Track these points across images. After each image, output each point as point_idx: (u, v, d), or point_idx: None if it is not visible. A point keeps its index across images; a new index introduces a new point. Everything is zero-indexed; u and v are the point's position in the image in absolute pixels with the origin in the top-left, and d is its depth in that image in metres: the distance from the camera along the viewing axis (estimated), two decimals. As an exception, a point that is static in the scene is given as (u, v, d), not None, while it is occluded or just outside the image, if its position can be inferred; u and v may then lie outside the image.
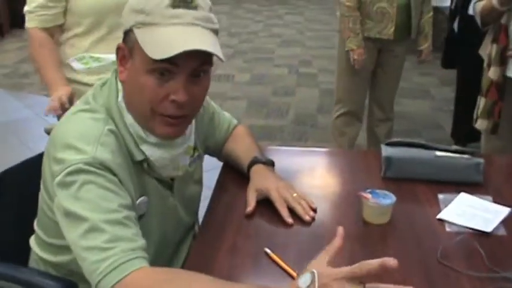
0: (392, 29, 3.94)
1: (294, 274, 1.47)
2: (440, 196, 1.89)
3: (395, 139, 2.13)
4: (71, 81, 2.51)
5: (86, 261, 1.35)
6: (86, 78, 2.47)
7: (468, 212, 1.79)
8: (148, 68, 1.45)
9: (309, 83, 7.15)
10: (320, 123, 5.75)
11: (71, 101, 2.36)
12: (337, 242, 1.28)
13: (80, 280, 1.59)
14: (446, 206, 1.83)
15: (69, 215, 1.39)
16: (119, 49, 1.54)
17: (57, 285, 1.61)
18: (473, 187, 1.95)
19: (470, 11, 3.87)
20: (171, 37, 1.42)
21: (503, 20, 2.99)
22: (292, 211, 1.77)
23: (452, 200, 1.86)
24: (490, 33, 3.19)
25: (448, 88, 6.40)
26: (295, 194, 1.81)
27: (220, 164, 2.12)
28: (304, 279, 1.23)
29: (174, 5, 1.44)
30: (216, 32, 1.52)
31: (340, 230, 1.30)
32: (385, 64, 4.20)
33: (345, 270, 1.21)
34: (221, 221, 1.77)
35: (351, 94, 4.27)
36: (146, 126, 1.54)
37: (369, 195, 1.74)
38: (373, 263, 1.17)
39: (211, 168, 2.12)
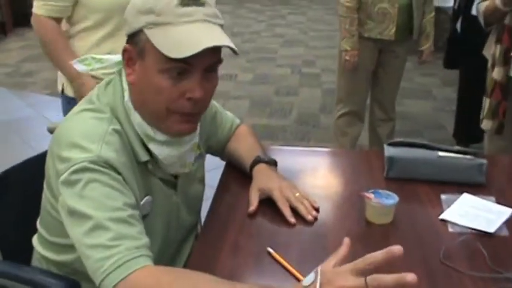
0: (393, 30, 3.93)
1: (297, 274, 1.47)
2: (443, 196, 1.89)
3: (397, 139, 2.12)
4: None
5: (90, 259, 1.35)
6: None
7: (471, 212, 1.79)
8: (162, 68, 1.45)
9: (312, 83, 7.15)
10: (323, 123, 5.75)
11: None
12: (343, 250, 1.28)
13: (83, 279, 1.60)
14: (449, 207, 1.83)
15: (74, 213, 1.39)
16: (125, 51, 1.54)
17: (60, 284, 1.61)
18: (476, 188, 1.94)
19: (474, 12, 3.88)
20: (187, 35, 1.43)
21: (506, 21, 2.99)
22: (294, 211, 1.77)
23: (455, 200, 1.86)
24: (493, 33, 3.19)
25: (450, 88, 6.40)
26: (297, 194, 1.81)
27: (223, 163, 2.12)
28: (308, 278, 1.23)
29: (183, 3, 1.45)
30: (222, 27, 1.54)
31: (347, 240, 1.30)
32: (386, 64, 4.20)
33: (349, 264, 1.21)
34: (223, 220, 1.77)
35: (351, 94, 4.27)
36: (159, 124, 1.55)
37: (372, 195, 1.74)
38: (377, 255, 1.17)
39: (214, 167, 2.13)
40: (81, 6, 2.69)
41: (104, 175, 1.42)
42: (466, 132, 4.85)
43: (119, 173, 1.47)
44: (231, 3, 13.10)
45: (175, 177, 1.73)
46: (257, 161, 1.92)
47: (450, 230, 1.73)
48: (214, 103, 2.00)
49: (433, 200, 1.89)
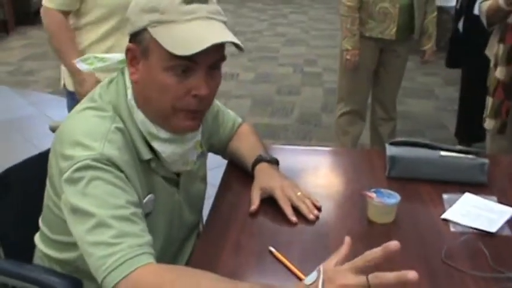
0: (394, 30, 3.93)
1: (298, 273, 1.47)
2: (445, 196, 1.89)
3: (399, 139, 2.12)
4: None
5: (92, 257, 1.35)
6: None
7: (473, 212, 1.79)
8: (167, 66, 1.45)
9: (314, 82, 7.15)
10: (324, 122, 5.75)
11: None
12: (344, 249, 1.28)
13: (85, 277, 1.60)
14: (450, 206, 1.83)
15: (77, 211, 1.40)
16: (128, 50, 1.54)
17: (63, 283, 1.61)
18: (478, 187, 1.94)
19: (476, 11, 3.87)
20: (191, 33, 1.44)
21: (509, 20, 2.99)
22: (296, 210, 1.77)
23: (456, 200, 1.86)
24: (495, 33, 3.19)
25: (452, 88, 6.40)
26: (299, 193, 1.81)
27: (225, 162, 2.13)
28: (310, 277, 1.23)
29: (186, 1, 1.45)
30: (225, 24, 1.54)
31: (348, 239, 1.30)
32: (387, 64, 4.20)
33: (349, 263, 1.22)
34: (225, 219, 1.77)
35: (353, 93, 4.27)
36: (164, 122, 1.55)
37: (374, 195, 1.74)
38: (376, 251, 1.18)
39: (216, 166, 2.13)
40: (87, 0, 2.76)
41: (106, 173, 1.43)
42: (468, 132, 4.85)
43: (122, 171, 1.47)
44: (233, 2, 13.11)
45: (178, 175, 1.73)
46: (259, 160, 1.93)
47: (452, 229, 1.73)
48: (217, 102, 2.00)
49: (434, 200, 1.89)
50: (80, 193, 1.40)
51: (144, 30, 1.48)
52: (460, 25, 4.68)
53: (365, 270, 1.18)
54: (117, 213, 1.38)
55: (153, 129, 1.56)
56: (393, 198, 1.74)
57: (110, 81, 1.63)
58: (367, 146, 4.75)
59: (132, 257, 1.32)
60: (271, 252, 1.58)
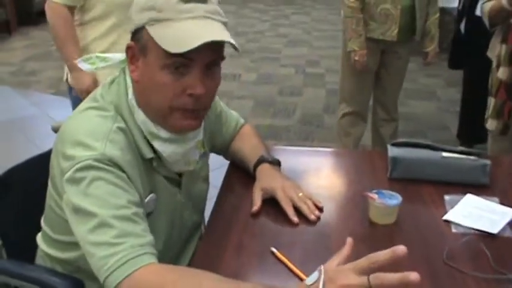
0: (395, 31, 3.92)
1: (300, 273, 1.47)
2: (447, 197, 1.89)
3: (401, 140, 2.12)
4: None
5: (94, 257, 1.35)
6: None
7: (474, 213, 1.79)
8: (163, 64, 1.46)
9: (316, 83, 7.15)
10: (326, 123, 5.75)
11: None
12: (346, 250, 1.29)
13: (87, 277, 1.61)
14: (452, 207, 1.83)
15: (78, 210, 1.40)
16: (128, 48, 1.55)
17: (64, 283, 1.62)
18: (480, 188, 1.94)
19: (478, 12, 3.87)
20: (187, 31, 1.44)
21: (512, 20, 2.99)
22: (298, 210, 1.77)
23: (458, 201, 1.86)
24: (497, 34, 3.19)
25: (454, 89, 6.40)
26: (301, 194, 1.81)
27: (227, 162, 2.13)
28: (311, 277, 1.23)
29: (184, 0, 1.45)
30: (225, 24, 1.54)
31: (350, 240, 1.30)
32: (388, 65, 4.20)
33: (351, 263, 1.22)
34: (227, 220, 1.77)
35: (354, 94, 4.27)
36: (163, 122, 1.55)
37: (375, 196, 1.74)
38: (381, 254, 1.17)
39: (218, 167, 2.13)
40: None
41: (108, 173, 1.43)
42: (470, 133, 4.85)
43: (123, 171, 1.47)
44: (235, 3, 13.12)
45: (180, 175, 1.73)
46: (261, 161, 1.93)
47: (453, 230, 1.72)
48: (220, 102, 2.00)
49: (436, 201, 1.89)
50: (81, 193, 1.40)
51: (142, 28, 1.49)
52: (462, 26, 4.68)
53: (367, 271, 1.18)
54: (118, 213, 1.38)
55: (154, 128, 1.56)
56: (395, 199, 1.74)
57: (112, 81, 1.64)
58: (368, 147, 4.75)
59: (134, 257, 1.33)
60: (272, 252, 1.58)
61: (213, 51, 1.47)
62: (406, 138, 2.14)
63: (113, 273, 1.31)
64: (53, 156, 1.58)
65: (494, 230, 1.70)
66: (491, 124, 3.20)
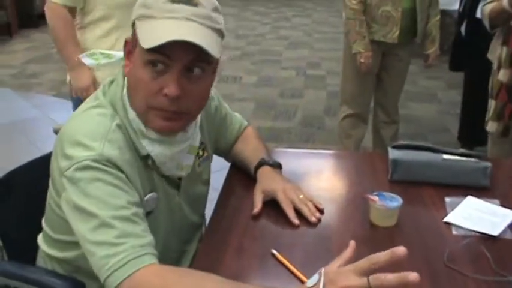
0: (397, 33, 3.93)
1: (301, 275, 1.47)
2: (447, 199, 1.89)
3: (402, 142, 2.12)
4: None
5: (94, 256, 1.35)
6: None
7: (475, 215, 1.79)
8: (145, 60, 1.45)
9: (317, 85, 7.15)
10: (327, 125, 5.75)
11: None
12: (348, 252, 1.29)
13: (86, 277, 1.61)
14: (453, 209, 1.83)
15: (79, 209, 1.40)
16: (126, 43, 1.56)
17: (65, 285, 1.62)
18: (481, 190, 1.94)
19: (478, 14, 3.87)
20: (163, 28, 1.43)
21: (512, 22, 2.99)
22: (298, 212, 1.77)
23: (459, 203, 1.86)
24: (498, 36, 3.19)
25: (455, 91, 6.39)
26: (301, 196, 1.81)
27: (228, 165, 2.13)
28: (312, 279, 1.24)
29: (174, 1, 1.45)
30: (218, 31, 1.51)
31: (352, 243, 1.31)
32: (389, 67, 4.20)
33: (352, 264, 1.22)
34: (228, 222, 1.77)
35: (356, 96, 4.27)
36: (144, 120, 1.54)
37: (376, 198, 1.74)
38: (381, 255, 1.18)
39: (219, 169, 2.13)
40: None
41: (106, 174, 1.43)
42: (471, 135, 4.85)
43: (122, 171, 1.47)
44: (236, 5, 13.12)
45: (179, 177, 1.73)
46: (261, 164, 1.93)
47: (454, 232, 1.73)
48: (225, 105, 2.01)
49: (437, 203, 1.89)
50: (81, 193, 1.41)
51: (134, 23, 1.51)
52: (463, 28, 4.69)
53: (367, 273, 1.18)
54: (118, 214, 1.38)
55: (143, 127, 1.55)
56: (395, 201, 1.74)
57: (113, 80, 1.64)
58: (369, 149, 4.75)
59: (135, 257, 1.33)
60: (273, 255, 1.59)
61: (192, 52, 1.44)
62: (406, 141, 2.14)
63: (113, 273, 1.31)
64: (53, 156, 1.58)
65: (495, 232, 1.70)
66: (491, 126, 3.20)
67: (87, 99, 1.65)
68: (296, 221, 1.74)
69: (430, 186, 1.97)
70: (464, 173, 1.97)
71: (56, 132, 1.58)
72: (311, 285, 1.23)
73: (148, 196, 1.60)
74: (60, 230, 1.63)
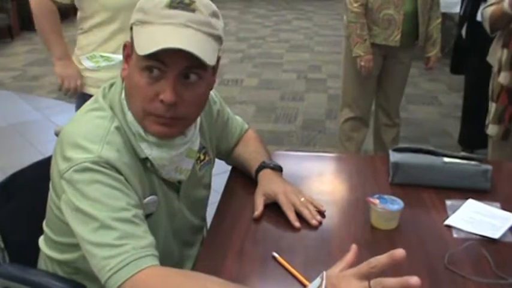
0: (398, 36, 3.93)
1: (302, 278, 1.47)
2: (448, 202, 1.89)
3: (403, 145, 2.12)
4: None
5: (95, 258, 1.36)
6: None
7: (476, 218, 1.79)
8: (141, 66, 1.45)
9: (318, 88, 7.16)
10: (328, 128, 5.76)
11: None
12: (350, 256, 1.29)
13: (86, 278, 1.61)
14: (453, 212, 1.83)
15: (78, 211, 1.41)
16: (124, 46, 1.56)
17: (65, 287, 1.62)
18: (481, 194, 1.94)
19: (478, 17, 3.88)
20: (158, 35, 1.42)
21: (513, 25, 3.00)
22: (299, 215, 1.77)
23: (459, 206, 1.86)
24: (498, 39, 3.19)
25: (456, 94, 6.40)
26: (302, 199, 1.81)
27: (229, 168, 2.13)
28: (314, 283, 1.24)
29: (171, 6, 1.44)
30: (215, 37, 1.50)
31: (354, 246, 1.31)
32: (390, 70, 4.20)
33: (353, 269, 1.22)
34: (229, 225, 1.77)
35: (357, 99, 4.28)
36: (141, 124, 1.54)
37: (377, 201, 1.74)
38: (380, 258, 1.18)
39: (220, 172, 2.13)
40: (92, 0, 2.81)
41: (105, 176, 1.43)
42: (472, 138, 4.85)
43: (121, 173, 1.47)
44: (237, 8, 13.14)
45: (179, 181, 1.73)
46: (262, 167, 1.93)
47: (455, 235, 1.73)
48: (227, 109, 2.01)
49: (437, 206, 1.89)
50: (80, 195, 1.41)
51: (132, 28, 1.51)
52: (463, 31, 4.69)
53: (368, 276, 1.18)
54: (119, 216, 1.38)
55: (141, 130, 1.55)
56: (396, 204, 1.74)
57: (113, 83, 1.64)
58: (370, 152, 4.75)
59: (136, 258, 1.33)
60: (274, 257, 1.58)
61: (188, 59, 1.43)
62: (407, 144, 2.14)
63: (114, 274, 1.32)
64: (53, 159, 1.59)
65: (496, 235, 1.70)
66: (492, 129, 3.20)
67: (88, 102, 1.65)
68: (297, 224, 1.74)
69: (431, 189, 1.97)
70: (465, 176, 1.97)
71: (57, 134, 1.58)
72: (312, 288, 1.23)
73: (148, 199, 1.60)
74: (61, 232, 1.63)
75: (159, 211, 1.66)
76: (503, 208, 1.86)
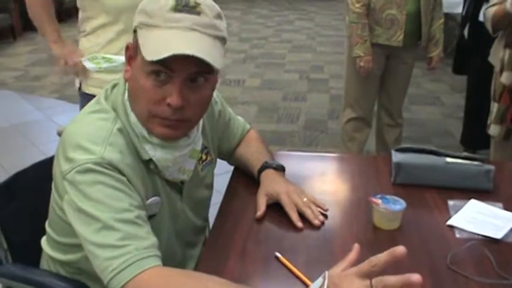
0: (401, 36, 3.93)
1: (304, 278, 1.47)
2: (450, 202, 1.89)
3: (405, 145, 2.12)
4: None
5: (98, 258, 1.36)
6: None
7: (478, 218, 1.79)
8: (147, 70, 1.45)
9: (320, 88, 7.15)
10: (331, 128, 5.75)
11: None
12: (352, 256, 1.29)
13: (89, 279, 1.62)
14: (456, 213, 1.83)
15: (81, 212, 1.41)
16: (127, 48, 1.55)
17: (68, 286, 1.63)
18: (484, 194, 1.94)
19: (481, 18, 3.88)
20: (166, 40, 1.42)
21: (515, 25, 2.99)
22: (302, 216, 1.77)
23: (462, 206, 1.86)
24: (500, 39, 3.19)
25: (459, 95, 6.39)
26: (305, 199, 1.81)
27: (231, 168, 2.13)
28: (316, 282, 1.24)
29: (176, 9, 1.44)
30: (220, 38, 1.50)
31: (357, 246, 1.31)
32: (393, 71, 4.20)
33: (354, 268, 1.23)
34: (231, 225, 1.77)
35: (359, 99, 4.28)
36: (146, 126, 1.54)
37: (379, 201, 1.74)
38: (381, 256, 1.19)
39: (223, 172, 2.13)
40: (93, 1, 2.79)
41: (107, 177, 1.43)
42: (473, 139, 4.84)
43: (123, 174, 1.47)
44: (239, 9, 13.15)
45: (182, 181, 1.73)
46: (265, 167, 1.93)
47: (457, 235, 1.72)
48: (228, 109, 2.01)
49: (440, 206, 1.89)
50: (82, 196, 1.41)
51: (135, 30, 1.50)
52: (466, 31, 4.69)
53: (370, 275, 1.19)
54: (121, 217, 1.38)
55: (145, 132, 1.55)
56: (399, 204, 1.74)
57: (115, 84, 1.64)
58: (372, 152, 4.75)
59: (139, 259, 1.33)
60: (277, 257, 1.59)
61: (195, 64, 1.42)
62: (410, 144, 2.14)
63: (117, 275, 1.32)
64: (55, 160, 1.59)
65: (498, 235, 1.70)
66: (494, 130, 3.20)
67: (90, 103, 1.65)
68: (299, 224, 1.74)
69: (433, 190, 1.97)
70: (467, 176, 1.97)
71: (60, 134, 1.58)
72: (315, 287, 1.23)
73: (150, 200, 1.60)
74: (64, 233, 1.64)
75: (162, 212, 1.66)
76: (506, 208, 1.85)
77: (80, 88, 3.00)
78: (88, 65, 1.62)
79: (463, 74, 5.05)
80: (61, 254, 1.70)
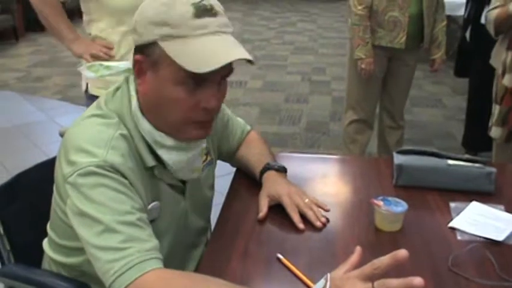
0: (403, 38, 3.93)
1: (306, 280, 1.48)
2: (452, 204, 1.89)
3: (407, 147, 2.13)
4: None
5: (100, 261, 1.36)
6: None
7: (480, 220, 1.79)
8: (179, 80, 1.44)
9: (322, 90, 7.16)
10: (332, 130, 5.76)
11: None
12: (354, 258, 1.30)
13: (91, 281, 1.61)
14: (457, 215, 1.83)
15: (83, 215, 1.41)
16: (136, 62, 1.52)
17: (70, 287, 1.63)
18: (485, 196, 1.94)
19: (483, 20, 3.88)
20: (205, 49, 1.42)
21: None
22: (304, 217, 1.77)
23: (463, 208, 1.86)
24: (502, 41, 3.19)
25: (461, 97, 6.40)
26: (307, 200, 1.81)
27: (233, 169, 2.13)
28: (318, 284, 1.24)
29: (198, 15, 1.43)
30: (232, 34, 1.54)
31: (359, 248, 1.31)
32: (395, 73, 4.20)
33: (357, 270, 1.23)
34: (233, 226, 1.77)
35: (361, 102, 4.28)
36: (175, 133, 1.55)
37: (381, 203, 1.75)
38: (383, 259, 1.19)
39: (225, 173, 2.13)
40: (98, 4, 2.79)
41: (110, 179, 1.43)
42: (475, 141, 4.85)
43: (125, 177, 1.47)
44: (241, 10, 13.15)
45: (184, 183, 1.73)
46: (267, 168, 1.93)
47: (459, 237, 1.73)
48: (227, 110, 2.01)
49: (441, 208, 1.89)
50: (84, 198, 1.41)
51: (153, 43, 1.46)
52: (467, 34, 4.69)
53: (372, 278, 1.19)
54: (123, 219, 1.38)
55: (159, 137, 1.56)
56: (400, 206, 1.74)
57: (116, 90, 1.64)
58: (374, 154, 4.75)
59: (141, 261, 1.33)
60: (278, 259, 1.59)
61: (227, 66, 1.46)
62: (411, 146, 2.14)
63: (119, 277, 1.32)
64: (57, 162, 1.59)
65: (500, 238, 1.70)
66: (495, 132, 3.20)
67: (90, 107, 1.64)
68: (301, 225, 1.74)
69: (435, 192, 1.97)
70: (469, 179, 1.97)
71: (62, 135, 1.58)
72: (317, 290, 1.23)
73: (151, 205, 1.60)
74: (65, 236, 1.64)
75: (163, 216, 1.66)
76: (507, 210, 1.86)
77: (86, 90, 3.00)
78: (87, 74, 1.62)
79: (464, 76, 5.05)
80: (63, 257, 1.70)
